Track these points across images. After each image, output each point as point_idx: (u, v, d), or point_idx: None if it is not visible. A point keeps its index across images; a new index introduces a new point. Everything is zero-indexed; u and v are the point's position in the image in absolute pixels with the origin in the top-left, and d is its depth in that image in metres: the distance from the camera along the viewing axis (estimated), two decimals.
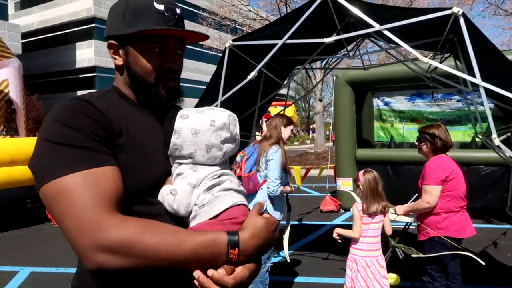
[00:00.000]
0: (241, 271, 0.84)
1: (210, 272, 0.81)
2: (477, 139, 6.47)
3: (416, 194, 3.21)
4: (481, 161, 6.24)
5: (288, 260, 3.83)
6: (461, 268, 2.94)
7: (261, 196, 3.21)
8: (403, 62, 4.01)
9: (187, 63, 32.27)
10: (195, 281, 0.82)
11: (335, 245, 3.33)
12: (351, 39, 4.06)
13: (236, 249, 0.83)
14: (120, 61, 1.04)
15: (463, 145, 7.01)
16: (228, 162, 1.04)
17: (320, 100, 19.42)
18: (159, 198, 0.94)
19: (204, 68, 33.29)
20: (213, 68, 3.53)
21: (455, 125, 7.16)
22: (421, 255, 2.96)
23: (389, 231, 3.07)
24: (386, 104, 7.73)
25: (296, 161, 15.16)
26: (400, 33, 2.83)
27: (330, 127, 7.73)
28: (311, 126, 43.52)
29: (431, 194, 2.87)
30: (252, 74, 3.15)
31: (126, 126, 0.95)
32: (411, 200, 3.45)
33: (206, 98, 3.51)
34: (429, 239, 2.92)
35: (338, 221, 6.62)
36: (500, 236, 5.47)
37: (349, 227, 3.08)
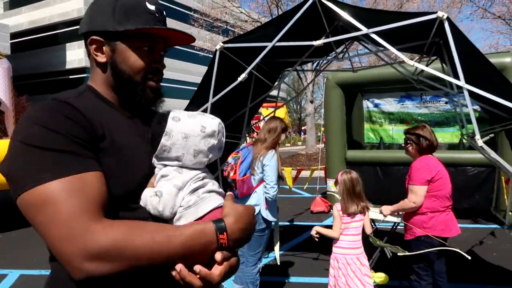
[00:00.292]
0: (223, 267, 0.85)
1: (198, 268, 0.82)
2: (464, 141, 6.59)
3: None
4: (468, 162, 6.35)
5: (278, 263, 3.83)
6: (447, 267, 3.01)
7: (255, 200, 3.21)
8: (391, 64, 4.08)
9: (178, 64, 32.24)
10: (175, 274, 0.81)
11: (325, 245, 3.37)
12: (340, 42, 4.12)
13: (225, 233, 0.84)
14: (103, 58, 0.99)
15: (451, 146, 7.13)
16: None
17: (311, 102, 19.53)
18: (142, 201, 0.92)
19: (196, 69, 33.27)
20: (204, 69, 3.55)
21: (443, 126, 7.28)
22: (407, 253, 3.03)
23: (368, 230, 3.13)
24: (376, 105, 7.83)
25: (288, 162, 15.23)
26: (387, 36, 2.89)
27: (322, 129, 7.78)
28: (303, 128, 43.68)
29: (417, 194, 2.93)
30: (243, 76, 3.18)
31: (108, 129, 0.92)
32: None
33: (197, 99, 3.53)
34: (415, 238, 2.98)
35: (328, 221, 6.67)
36: (486, 236, 5.58)
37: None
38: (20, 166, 0.80)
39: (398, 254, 3.08)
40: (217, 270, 0.84)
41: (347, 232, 3.01)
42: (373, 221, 4.03)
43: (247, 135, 5.30)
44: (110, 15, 0.96)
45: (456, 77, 2.63)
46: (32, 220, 0.79)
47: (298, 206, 7.91)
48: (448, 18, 2.58)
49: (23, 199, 0.79)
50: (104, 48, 0.99)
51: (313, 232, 3.10)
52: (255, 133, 15.02)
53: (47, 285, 0.93)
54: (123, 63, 0.98)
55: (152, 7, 0.99)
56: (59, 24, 28.91)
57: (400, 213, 3.47)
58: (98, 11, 0.98)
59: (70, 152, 0.81)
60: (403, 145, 3.23)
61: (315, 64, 5.21)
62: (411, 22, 2.64)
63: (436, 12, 2.60)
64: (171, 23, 28.66)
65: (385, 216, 3.38)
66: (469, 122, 2.74)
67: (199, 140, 0.94)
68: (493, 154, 2.88)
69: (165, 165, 0.95)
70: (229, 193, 0.99)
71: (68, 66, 28.47)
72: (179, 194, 0.92)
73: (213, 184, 0.99)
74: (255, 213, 3.36)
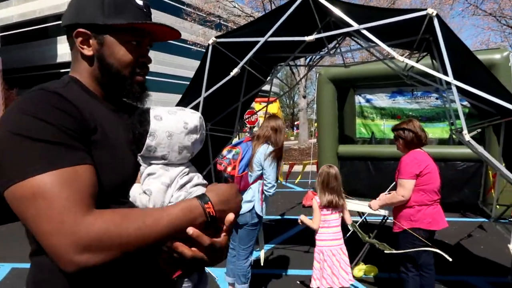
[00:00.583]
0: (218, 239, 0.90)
1: (191, 230, 0.85)
2: (453, 136, 6.68)
3: (392, 184, 3.34)
4: (458, 157, 6.45)
5: (262, 264, 3.81)
6: (435, 259, 3.08)
7: (250, 195, 3.27)
8: (382, 60, 4.12)
9: (171, 58, 32.04)
10: (166, 249, 0.86)
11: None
12: (332, 38, 4.15)
13: (209, 203, 0.87)
14: (89, 52, 0.98)
15: (441, 142, 7.23)
16: None
17: (304, 97, 19.58)
18: (131, 198, 0.93)
19: (188, 63, 33.05)
20: (197, 63, 3.56)
21: (433, 122, 7.36)
22: (393, 251, 3.14)
23: (348, 221, 3.29)
24: (368, 101, 7.89)
25: None
26: (379, 32, 2.92)
27: (315, 124, 7.83)
28: (295, 123, 43.77)
29: (405, 187, 2.99)
30: (235, 70, 3.20)
31: (99, 122, 0.91)
32: (386, 191, 3.59)
33: (189, 94, 3.54)
34: (403, 231, 3.05)
35: None
36: (474, 229, 5.68)
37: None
38: (8, 157, 0.77)
39: (385, 251, 3.17)
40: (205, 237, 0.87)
41: (329, 224, 3.17)
42: (362, 214, 4.10)
43: (239, 129, 5.32)
44: (99, 8, 0.95)
45: (445, 73, 2.68)
46: (22, 213, 0.77)
47: (290, 200, 7.97)
48: (437, 15, 2.62)
49: (12, 192, 0.76)
50: (90, 41, 0.98)
51: (299, 220, 3.28)
52: (247, 128, 15.03)
53: (33, 284, 0.90)
54: (112, 56, 0.98)
55: (140, 2, 1.00)
56: (50, 17, 28.52)
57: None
58: (86, 4, 0.97)
59: (61, 144, 0.79)
60: (394, 140, 3.30)
61: (307, 59, 5.24)
62: (401, 18, 2.67)
63: (426, 9, 2.63)
64: (164, 16, 28.49)
65: (374, 210, 3.45)
66: (458, 117, 2.80)
67: (183, 136, 0.96)
68: (480, 149, 2.94)
69: (151, 164, 0.96)
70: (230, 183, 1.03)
71: (59, 59, 28.13)
72: (168, 191, 0.94)
73: (198, 178, 1.01)
74: (250, 209, 3.39)
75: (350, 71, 6.19)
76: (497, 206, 4.94)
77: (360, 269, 3.95)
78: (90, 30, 0.97)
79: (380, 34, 2.93)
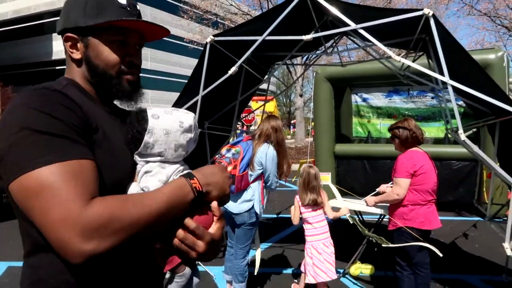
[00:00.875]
0: (213, 230, 0.94)
1: (189, 221, 0.89)
2: (449, 135, 6.73)
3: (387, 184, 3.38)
4: (453, 156, 6.49)
5: (257, 264, 3.69)
6: (430, 258, 3.10)
7: (249, 195, 3.29)
8: (379, 59, 4.14)
9: (168, 56, 31.94)
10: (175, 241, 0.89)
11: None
12: (329, 37, 4.16)
13: (195, 178, 0.91)
14: (78, 55, 1.00)
15: (437, 141, 7.27)
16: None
17: (301, 96, 19.60)
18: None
19: (185, 61, 32.97)
20: (194, 62, 3.56)
21: (429, 121, 7.41)
22: (390, 245, 3.18)
23: (330, 216, 3.40)
24: (364, 100, 7.92)
25: None
26: (375, 32, 2.94)
27: (311, 122, 7.84)
28: (292, 121, 43.79)
29: (400, 186, 3.01)
30: (233, 69, 3.21)
31: (99, 122, 0.93)
32: (388, 184, 3.61)
33: (187, 92, 3.54)
34: (397, 229, 3.08)
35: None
36: (469, 228, 5.73)
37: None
38: (17, 149, 0.78)
39: (382, 245, 3.21)
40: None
41: (314, 219, 3.33)
42: (359, 213, 4.12)
43: (237, 127, 5.32)
44: (81, 11, 0.97)
45: (441, 72, 2.70)
46: (28, 205, 0.77)
47: (286, 199, 7.98)
48: (433, 15, 2.64)
49: (20, 183, 0.77)
50: (78, 44, 1.00)
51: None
52: (245, 126, 15.03)
53: (30, 285, 0.90)
54: (97, 57, 0.99)
55: (123, 1, 1.00)
56: (45, 14, 28.30)
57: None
58: (71, 8, 0.99)
59: (67, 138, 0.81)
60: (391, 140, 3.32)
61: (304, 58, 5.25)
62: (397, 18, 2.69)
63: (422, 9, 2.65)
64: (161, 14, 28.39)
65: (369, 206, 3.51)
66: (454, 117, 2.82)
67: (179, 135, 0.99)
68: (475, 149, 2.97)
69: (148, 162, 0.98)
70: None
71: (55, 56, 27.92)
72: None
73: None
74: (249, 208, 3.41)
75: (347, 70, 6.21)
76: (492, 205, 4.98)
77: (357, 268, 3.98)
78: (77, 34, 0.99)
79: (377, 33, 2.95)
